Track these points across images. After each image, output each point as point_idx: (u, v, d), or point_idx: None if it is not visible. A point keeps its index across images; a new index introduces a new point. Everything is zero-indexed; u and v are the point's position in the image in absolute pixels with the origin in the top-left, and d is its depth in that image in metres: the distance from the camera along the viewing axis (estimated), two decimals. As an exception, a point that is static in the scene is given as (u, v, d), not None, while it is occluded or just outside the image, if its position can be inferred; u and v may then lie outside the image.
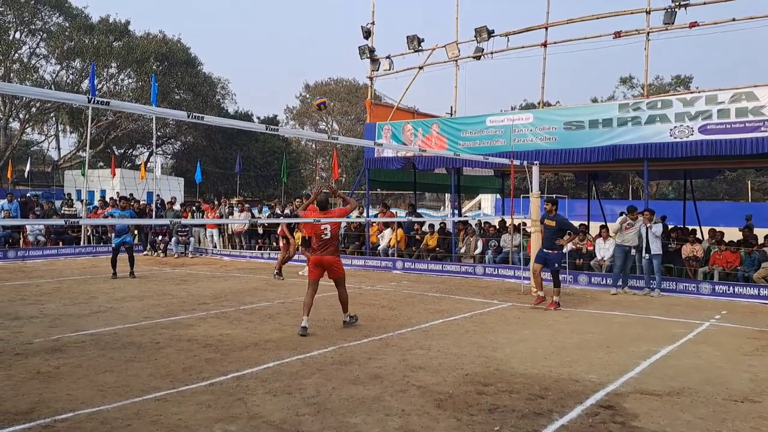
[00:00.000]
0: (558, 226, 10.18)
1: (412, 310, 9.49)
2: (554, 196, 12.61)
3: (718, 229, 13.71)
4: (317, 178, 60.13)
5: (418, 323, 8.37)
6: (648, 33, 12.95)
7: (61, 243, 18.50)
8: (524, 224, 14.54)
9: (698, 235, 14.38)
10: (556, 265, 10.14)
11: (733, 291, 11.24)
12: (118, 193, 24.93)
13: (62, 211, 21.03)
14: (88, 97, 4.75)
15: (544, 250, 10.28)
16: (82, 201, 22.33)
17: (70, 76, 41.60)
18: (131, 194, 23.50)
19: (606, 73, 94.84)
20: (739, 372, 6.07)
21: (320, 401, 4.93)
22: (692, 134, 11.78)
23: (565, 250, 11.15)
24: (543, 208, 10.67)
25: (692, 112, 11.81)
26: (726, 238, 13.18)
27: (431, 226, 16.79)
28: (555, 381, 5.63)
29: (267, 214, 22.35)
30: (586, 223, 17.51)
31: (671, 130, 12.01)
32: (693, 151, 11.80)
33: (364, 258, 16.11)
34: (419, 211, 22.17)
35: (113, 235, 13.28)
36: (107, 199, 21.62)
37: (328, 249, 7.79)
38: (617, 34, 13.42)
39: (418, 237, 16.34)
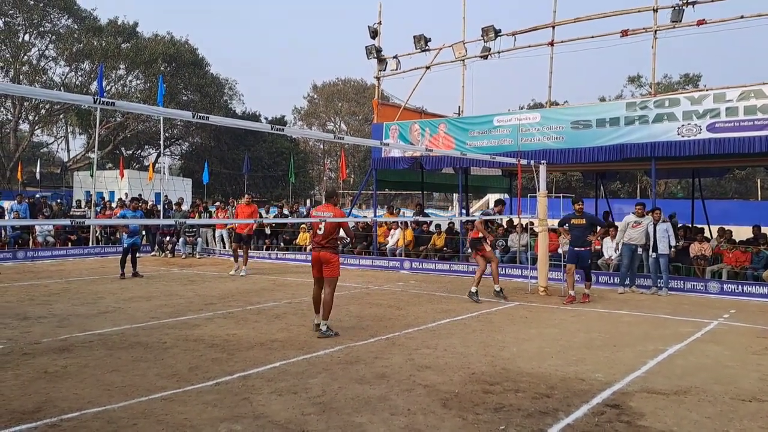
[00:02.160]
0: (588, 222, 10.64)
1: (419, 309, 9.49)
2: (561, 195, 12.57)
3: (727, 227, 13.62)
4: (325, 178, 60.22)
5: (425, 323, 8.36)
6: (655, 31, 12.89)
7: (69, 243, 18.62)
8: (532, 224, 14.50)
9: (707, 234, 14.29)
10: (589, 261, 10.63)
11: (742, 290, 11.17)
12: (126, 194, 25.06)
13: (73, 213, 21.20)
14: (93, 98, 4.78)
15: (575, 248, 10.51)
16: (89, 202, 22.46)
17: (79, 78, 41.90)
18: (140, 195, 23.63)
19: (614, 71, 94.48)
20: (748, 371, 6.02)
21: (326, 401, 4.93)
22: (700, 133, 11.71)
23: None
24: (571, 208, 10.82)
25: (700, 110, 11.74)
26: (735, 237, 13.09)
27: (438, 226, 16.79)
28: (561, 380, 5.60)
29: (274, 215, 22.40)
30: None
31: (679, 128, 11.94)
32: (701, 149, 11.73)
33: (371, 258, 16.11)
34: (426, 211, 22.17)
35: (126, 235, 13.36)
36: (118, 201, 21.74)
37: (322, 245, 7.50)
38: (624, 33, 13.36)
39: (425, 242, 16.32)
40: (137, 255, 13.61)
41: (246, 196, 15.03)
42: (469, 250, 15.11)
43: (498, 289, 10.70)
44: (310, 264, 7.87)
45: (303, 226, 18.22)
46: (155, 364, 5.98)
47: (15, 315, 8.53)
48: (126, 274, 12.98)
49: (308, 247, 13.17)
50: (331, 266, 7.46)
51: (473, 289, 10.41)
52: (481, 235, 10.71)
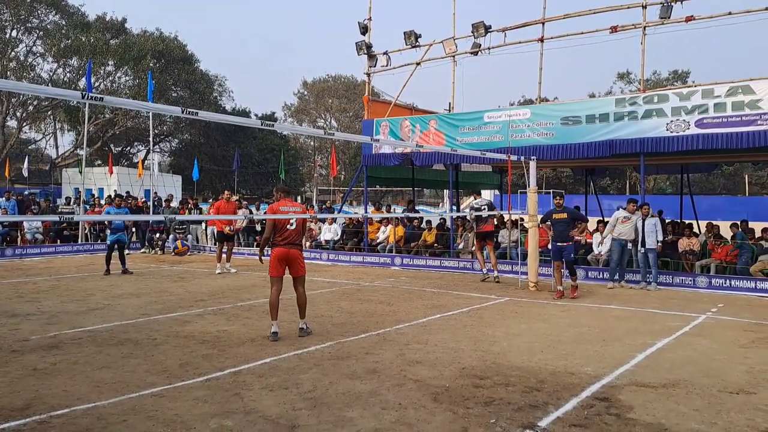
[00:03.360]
0: (570, 217, 10.63)
1: (410, 305, 9.50)
2: (551, 191, 12.64)
3: (715, 223, 13.73)
4: (316, 175, 60.12)
5: (416, 318, 8.38)
6: (644, 27, 12.96)
7: (58, 240, 18.50)
8: (522, 220, 14.55)
9: (695, 230, 14.40)
10: (572, 255, 10.59)
11: (730, 284, 11.27)
12: (115, 191, 24.90)
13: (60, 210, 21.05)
14: (81, 93, 4.75)
15: (558, 243, 10.51)
16: (78, 199, 22.31)
17: (67, 74, 41.56)
18: (127, 192, 23.50)
19: (603, 68, 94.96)
20: (735, 364, 6.08)
21: (317, 396, 4.93)
22: (689, 128, 11.79)
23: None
24: (552, 203, 10.82)
25: (689, 106, 11.82)
26: (723, 233, 13.21)
27: (429, 222, 16.81)
28: (551, 374, 5.64)
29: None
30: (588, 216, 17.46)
31: (668, 124, 12.02)
32: (689, 145, 11.81)
33: (362, 255, 16.11)
34: (417, 207, 22.19)
35: (108, 231, 13.32)
36: (106, 198, 21.61)
37: (294, 241, 7.13)
38: (614, 29, 13.42)
39: (416, 239, 16.33)
40: (125, 252, 13.55)
41: (225, 192, 14.82)
42: (461, 246, 15.21)
43: (497, 274, 12.42)
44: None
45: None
46: (145, 361, 5.96)
47: (3, 312, 8.47)
48: (112, 271, 12.92)
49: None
50: (301, 264, 7.21)
51: (490, 266, 12.54)
52: (492, 228, 12.79)
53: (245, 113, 51.80)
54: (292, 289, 7.41)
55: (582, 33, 14.00)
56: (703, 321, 8.45)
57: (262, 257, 7.52)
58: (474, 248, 13.32)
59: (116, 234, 13.27)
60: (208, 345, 6.66)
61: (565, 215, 10.57)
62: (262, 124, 7.30)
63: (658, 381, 5.44)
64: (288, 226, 7.12)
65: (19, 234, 18.03)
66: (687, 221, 15.78)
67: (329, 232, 17.35)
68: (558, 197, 10.80)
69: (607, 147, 12.70)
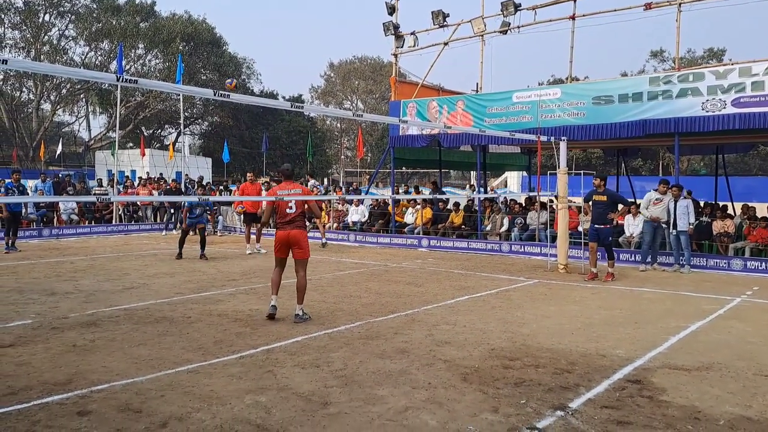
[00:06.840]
0: (610, 200, 10.40)
1: (437, 286, 9.52)
2: (582, 172, 12.45)
3: (750, 204, 13.43)
4: (342, 157, 60.21)
5: (443, 299, 8.40)
6: (680, 4, 12.59)
7: (93, 221, 18.91)
8: (551, 201, 14.41)
9: (730, 211, 14.10)
10: (610, 238, 10.40)
11: (765, 267, 11.03)
12: (147, 173, 25.29)
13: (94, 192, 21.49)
14: (116, 75, 4.83)
15: (596, 225, 10.34)
16: (111, 180, 22.72)
17: (99, 58, 42.17)
18: (161, 174, 23.85)
19: (636, 46, 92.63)
20: (771, 348, 5.98)
21: (348, 374, 5.00)
22: (725, 108, 11.49)
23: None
24: (592, 184, 10.63)
25: (725, 85, 11.51)
26: (759, 214, 12.90)
27: (456, 204, 16.76)
28: (582, 356, 5.61)
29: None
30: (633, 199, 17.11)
31: (703, 103, 11.73)
32: (725, 124, 11.52)
33: (389, 236, 16.15)
34: (444, 189, 22.11)
35: (186, 214, 12.90)
36: (139, 180, 21.97)
37: (295, 223, 7.07)
38: (648, 6, 13.09)
39: (443, 220, 16.30)
40: (205, 234, 13.04)
41: (249, 174, 14.91)
42: (488, 227, 15.15)
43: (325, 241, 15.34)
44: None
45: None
46: (181, 338, 6.10)
47: (42, 291, 8.72)
48: (141, 253, 12.94)
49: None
50: (302, 246, 7.10)
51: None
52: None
53: (273, 96, 52.02)
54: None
55: (615, 10, 13.67)
56: (738, 304, 8.31)
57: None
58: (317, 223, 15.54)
59: (194, 217, 12.84)
60: (240, 323, 6.78)
61: (604, 198, 10.30)
62: (291, 106, 7.36)
63: (691, 364, 5.38)
64: (287, 210, 7.05)
65: (55, 215, 18.49)
66: (722, 203, 15.47)
67: (356, 214, 17.41)
68: (598, 178, 10.52)
69: (641, 127, 12.45)
